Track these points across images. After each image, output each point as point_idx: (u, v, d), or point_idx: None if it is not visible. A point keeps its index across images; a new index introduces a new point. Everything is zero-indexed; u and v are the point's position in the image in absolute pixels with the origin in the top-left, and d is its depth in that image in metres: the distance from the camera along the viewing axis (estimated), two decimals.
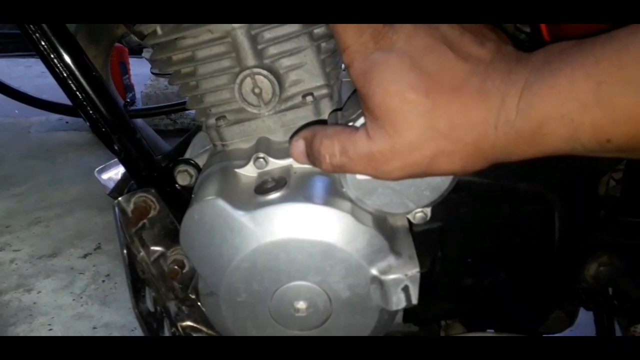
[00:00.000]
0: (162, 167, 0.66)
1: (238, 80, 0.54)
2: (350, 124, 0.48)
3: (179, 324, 0.68)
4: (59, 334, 1.68)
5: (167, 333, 0.68)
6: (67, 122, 3.43)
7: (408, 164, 0.42)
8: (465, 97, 0.39)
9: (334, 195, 0.51)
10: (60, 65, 0.59)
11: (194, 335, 0.69)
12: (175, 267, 0.65)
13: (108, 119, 0.61)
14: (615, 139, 0.36)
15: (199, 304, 0.67)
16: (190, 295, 0.67)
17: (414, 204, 0.51)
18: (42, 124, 3.48)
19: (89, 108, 0.61)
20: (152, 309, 0.67)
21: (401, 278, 0.51)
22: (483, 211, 0.61)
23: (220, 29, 0.53)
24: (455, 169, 0.42)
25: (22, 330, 1.71)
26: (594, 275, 0.68)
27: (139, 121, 2.36)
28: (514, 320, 0.71)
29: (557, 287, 0.68)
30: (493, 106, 0.38)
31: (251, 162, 0.54)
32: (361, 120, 0.47)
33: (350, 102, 0.56)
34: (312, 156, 0.48)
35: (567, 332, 0.76)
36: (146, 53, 3.39)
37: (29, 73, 4.29)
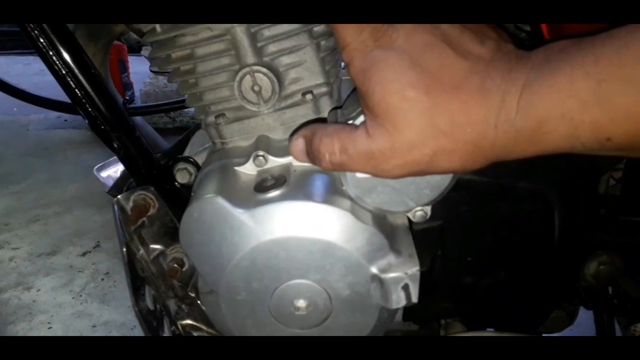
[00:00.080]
0: (162, 165, 0.66)
1: (237, 78, 0.54)
2: (350, 122, 0.47)
3: (178, 322, 0.68)
4: (59, 332, 1.68)
5: (166, 331, 0.67)
6: (66, 120, 3.43)
7: (408, 162, 0.42)
8: (465, 95, 0.39)
9: (333, 193, 0.51)
10: (59, 63, 0.59)
11: (194, 333, 0.69)
12: (175, 265, 0.65)
13: (107, 117, 0.61)
14: (615, 138, 0.36)
15: (198, 302, 0.67)
16: (190, 293, 0.67)
17: (414, 202, 0.51)
18: (40, 122, 3.48)
19: (88, 106, 0.61)
20: (151, 307, 0.67)
21: (401, 276, 0.51)
22: (483, 210, 0.61)
23: (219, 26, 0.53)
24: (455, 167, 0.42)
25: (21, 328, 1.71)
26: (594, 274, 0.68)
27: (138, 119, 2.35)
28: (513, 319, 0.71)
29: (557, 286, 0.68)
30: (493, 104, 0.38)
31: (251, 160, 0.54)
32: (361, 119, 0.46)
33: (350, 100, 0.55)
34: (311, 154, 0.48)
35: (566, 332, 0.76)
36: (145, 51, 3.38)
37: (27, 71, 4.29)
